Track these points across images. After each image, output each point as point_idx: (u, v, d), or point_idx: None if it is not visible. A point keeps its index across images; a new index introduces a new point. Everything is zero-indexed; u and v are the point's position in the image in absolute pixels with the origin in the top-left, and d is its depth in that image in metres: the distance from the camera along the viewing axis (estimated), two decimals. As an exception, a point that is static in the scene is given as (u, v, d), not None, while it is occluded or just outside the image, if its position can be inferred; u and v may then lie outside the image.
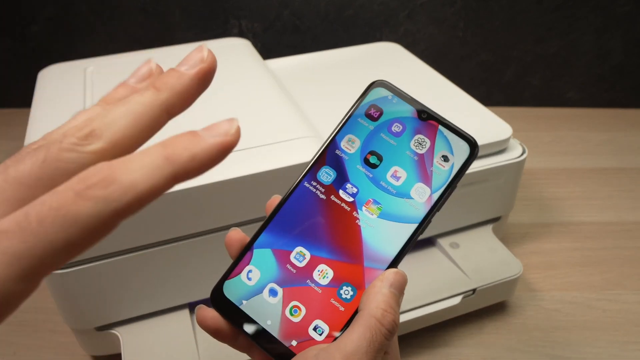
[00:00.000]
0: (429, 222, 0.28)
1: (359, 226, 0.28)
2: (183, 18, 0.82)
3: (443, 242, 0.53)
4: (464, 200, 0.51)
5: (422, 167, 0.28)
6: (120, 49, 0.78)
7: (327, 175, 0.29)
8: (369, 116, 0.29)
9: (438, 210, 0.28)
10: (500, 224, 0.57)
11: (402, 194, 0.28)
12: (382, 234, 0.28)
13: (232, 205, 0.42)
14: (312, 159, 0.29)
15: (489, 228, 0.55)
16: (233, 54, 0.60)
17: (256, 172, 0.41)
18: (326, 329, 0.26)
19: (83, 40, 0.83)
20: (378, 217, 0.28)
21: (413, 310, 0.47)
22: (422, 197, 0.28)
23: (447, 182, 0.28)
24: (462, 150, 0.29)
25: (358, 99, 0.30)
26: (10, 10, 0.80)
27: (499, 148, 0.51)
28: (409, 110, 0.29)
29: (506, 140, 0.51)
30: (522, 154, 0.52)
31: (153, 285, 0.44)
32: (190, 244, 0.42)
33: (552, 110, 0.90)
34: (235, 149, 0.37)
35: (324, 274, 0.27)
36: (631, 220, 0.66)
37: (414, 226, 0.28)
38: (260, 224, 0.29)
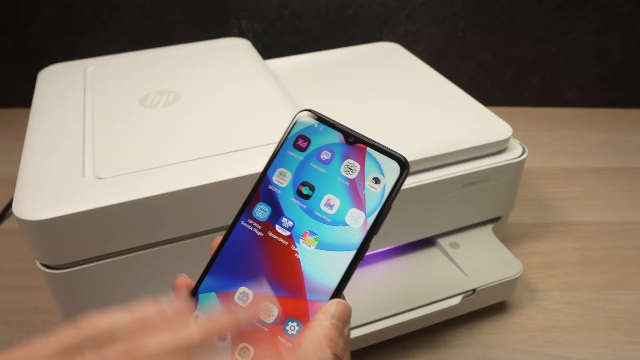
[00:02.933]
0: (368, 246, 0.28)
1: (298, 259, 0.27)
2: (183, 18, 0.82)
3: (443, 242, 0.53)
4: (464, 200, 0.51)
5: (355, 192, 0.28)
6: (120, 49, 0.78)
7: (262, 211, 0.28)
8: (297, 147, 0.29)
9: (375, 233, 0.28)
10: (500, 224, 0.57)
11: (337, 221, 0.28)
12: (321, 265, 0.27)
13: (235, 204, 0.42)
14: (247, 197, 0.29)
15: (489, 228, 0.55)
16: (233, 54, 0.60)
17: (257, 172, 0.40)
18: None
19: (83, 40, 0.83)
20: (316, 247, 0.28)
21: (413, 310, 0.47)
22: (357, 222, 0.28)
23: (381, 204, 0.28)
24: (392, 170, 0.28)
25: (285, 131, 0.29)
26: (10, 10, 0.80)
27: (499, 148, 0.51)
28: (336, 136, 0.29)
29: (506, 140, 0.51)
30: (522, 154, 0.52)
31: (153, 285, 0.44)
32: (190, 244, 0.42)
33: (552, 110, 0.90)
34: (237, 149, 0.38)
35: (269, 312, 0.27)
36: (631, 220, 0.66)
37: (352, 253, 0.27)
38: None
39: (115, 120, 0.48)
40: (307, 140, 0.29)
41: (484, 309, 0.52)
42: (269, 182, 0.29)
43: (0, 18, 0.80)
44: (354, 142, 0.29)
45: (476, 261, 0.51)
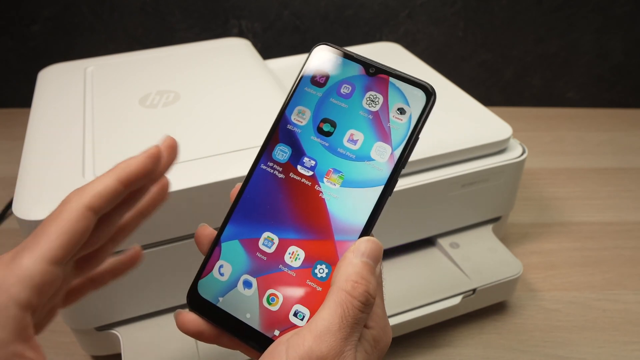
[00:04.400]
0: (396, 181, 0.26)
1: (323, 199, 0.26)
2: (183, 18, 0.82)
3: (443, 242, 0.53)
4: (464, 200, 0.51)
5: (379, 125, 0.27)
6: (120, 49, 0.79)
7: (282, 153, 0.27)
8: (316, 83, 0.28)
9: (403, 167, 0.26)
10: (500, 224, 0.57)
11: (362, 157, 0.27)
12: (348, 203, 0.26)
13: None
14: (265, 139, 0.28)
15: (489, 228, 0.55)
16: (233, 54, 0.60)
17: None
18: (307, 312, 0.25)
19: (83, 40, 0.83)
20: (341, 186, 0.26)
21: (413, 310, 0.47)
22: (383, 156, 0.26)
23: (408, 136, 0.26)
24: (418, 99, 0.27)
25: (302, 67, 0.28)
26: (10, 10, 0.80)
27: (499, 148, 0.51)
28: (355, 69, 0.28)
29: (506, 140, 0.51)
30: (522, 154, 0.52)
31: (153, 285, 0.44)
32: (191, 243, 0.42)
33: (552, 110, 0.90)
34: (237, 149, 0.38)
35: (295, 256, 0.26)
36: (631, 220, 0.66)
37: (380, 188, 0.26)
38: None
39: (115, 120, 0.48)
40: (325, 75, 0.28)
41: (484, 309, 0.52)
42: (288, 121, 0.28)
43: (0, 18, 0.80)
44: (375, 72, 0.27)
45: (476, 261, 0.51)
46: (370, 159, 0.26)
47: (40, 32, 0.82)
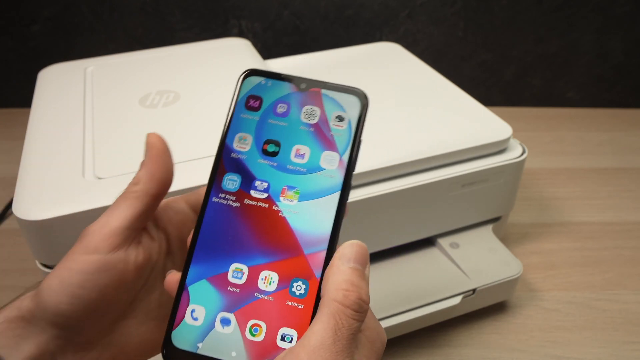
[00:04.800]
0: (350, 185, 0.27)
1: (284, 217, 0.26)
2: (183, 18, 0.82)
3: (443, 242, 0.53)
4: (464, 200, 0.51)
5: (322, 135, 0.27)
6: (120, 49, 0.79)
7: (231, 182, 0.27)
8: (250, 108, 0.28)
9: (353, 169, 0.27)
10: (500, 224, 0.57)
11: (313, 168, 0.27)
12: (309, 215, 0.26)
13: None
14: (211, 173, 0.28)
15: (489, 228, 0.55)
16: (233, 54, 0.60)
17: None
18: (294, 334, 0.25)
19: (83, 40, 0.83)
20: (299, 201, 0.27)
21: (413, 310, 0.47)
22: (332, 163, 0.27)
23: (352, 140, 0.27)
24: (352, 104, 0.28)
25: (233, 96, 0.28)
26: (10, 10, 0.80)
27: (499, 148, 0.51)
28: (286, 87, 0.28)
29: (506, 140, 0.51)
30: (522, 154, 0.52)
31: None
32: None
33: (552, 110, 0.90)
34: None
35: (268, 280, 0.26)
36: (631, 220, 0.66)
37: (337, 194, 0.27)
38: None
39: (115, 120, 0.48)
40: (258, 98, 0.28)
41: (484, 309, 0.52)
42: (231, 150, 0.28)
43: (0, 18, 0.80)
44: (307, 87, 0.28)
45: (476, 261, 0.51)
46: (321, 169, 0.27)
47: (40, 32, 0.82)
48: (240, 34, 0.84)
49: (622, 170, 0.75)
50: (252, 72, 0.29)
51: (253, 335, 0.25)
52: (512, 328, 0.51)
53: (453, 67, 0.88)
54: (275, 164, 0.27)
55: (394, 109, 0.54)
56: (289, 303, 0.25)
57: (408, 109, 0.54)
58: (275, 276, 0.26)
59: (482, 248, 0.53)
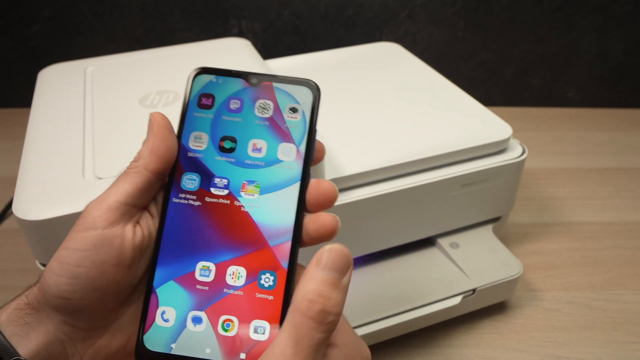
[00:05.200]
0: (309, 174, 0.28)
1: (247, 212, 0.27)
2: (183, 18, 0.82)
3: (443, 242, 0.53)
4: (464, 200, 0.51)
5: (277, 128, 0.28)
6: (120, 49, 0.79)
7: (190, 181, 0.27)
8: (203, 106, 0.28)
9: (311, 159, 0.28)
10: (500, 224, 0.57)
11: (271, 161, 0.27)
12: (271, 208, 0.27)
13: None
14: (169, 175, 0.28)
15: (489, 228, 0.55)
16: (233, 54, 0.60)
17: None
18: (266, 325, 0.25)
19: (83, 40, 0.83)
20: (260, 194, 0.27)
21: (413, 310, 0.47)
22: (290, 155, 0.28)
23: (307, 130, 0.28)
24: (305, 95, 0.28)
25: (184, 96, 0.28)
26: (10, 10, 0.80)
27: (499, 148, 0.51)
28: (238, 83, 0.28)
29: (506, 140, 0.51)
30: (522, 154, 0.52)
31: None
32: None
33: (552, 110, 0.90)
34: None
35: (236, 275, 0.26)
36: (631, 220, 0.66)
37: (297, 185, 0.27)
38: None
39: (115, 120, 0.48)
40: (211, 96, 0.28)
41: (484, 309, 0.52)
42: (187, 149, 0.28)
43: (0, 18, 0.80)
44: (258, 82, 0.28)
45: (476, 261, 0.51)
46: (279, 161, 0.27)
47: (40, 32, 0.82)
48: (240, 34, 0.84)
49: (622, 170, 0.75)
50: (202, 71, 0.29)
51: (226, 330, 0.25)
52: (512, 328, 0.52)
53: (453, 67, 0.88)
54: (233, 160, 0.27)
55: (393, 109, 0.54)
56: (259, 295, 0.26)
57: (408, 109, 0.54)
58: (242, 271, 0.26)
59: (482, 248, 0.53)
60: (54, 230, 0.38)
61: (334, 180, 0.44)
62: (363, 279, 0.50)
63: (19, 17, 0.81)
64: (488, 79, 0.90)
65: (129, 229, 0.25)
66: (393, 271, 0.51)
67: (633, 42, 0.85)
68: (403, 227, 0.50)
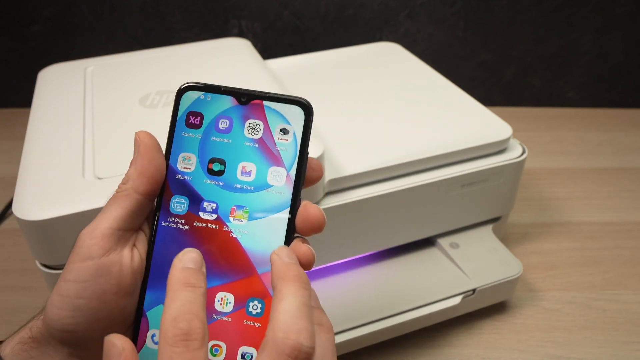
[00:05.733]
0: (299, 199, 0.27)
1: (235, 238, 0.26)
2: (183, 18, 0.82)
3: (443, 242, 0.53)
4: (464, 200, 0.51)
5: (267, 151, 0.27)
6: (120, 49, 0.79)
7: (179, 205, 0.27)
8: (191, 125, 0.27)
9: (302, 184, 0.27)
10: (500, 224, 0.57)
11: (261, 186, 0.27)
12: (261, 235, 0.26)
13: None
14: (158, 196, 0.27)
15: (489, 228, 0.55)
16: (233, 54, 0.60)
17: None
18: (253, 351, 0.25)
19: (83, 40, 0.83)
20: (249, 220, 0.26)
21: (413, 310, 0.47)
22: (280, 180, 0.27)
23: (298, 153, 0.27)
24: (296, 115, 0.27)
25: (173, 114, 0.27)
26: (10, 10, 0.80)
27: (499, 148, 0.51)
28: (227, 101, 0.27)
29: (506, 140, 0.51)
30: (522, 154, 0.52)
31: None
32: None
33: (552, 110, 0.90)
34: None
35: (225, 301, 0.26)
36: (631, 220, 0.66)
37: (287, 211, 0.26)
38: None
39: (115, 120, 0.48)
40: (199, 115, 0.27)
41: (484, 309, 0.52)
42: (175, 171, 0.27)
43: (0, 18, 0.80)
44: (248, 100, 0.27)
45: (476, 261, 0.51)
46: (268, 186, 0.27)
47: (40, 32, 0.82)
48: (240, 34, 0.84)
49: (622, 170, 0.75)
50: (189, 87, 0.27)
51: (214, 355, 0.25)
52: (512, 328, 0.52)
53: (453, 67, 0.88)
54: (222, 183, 0.27)
55: (393, 109, 0.54)
56: (247, 322, 0.26)
57: (408, 109, 0.54)
58: (231, 297, 0.26)
59: (482, 248, 0.53)
60: (54, 231, 0.38)
61: (334, 180, 0.44)
62: (363, 280, 0.50)
63: (19, 17, 0.81)
64: (488, 79, 0.90)
65: (126, 254, 0.25)
66: (393, 271, 0.51)
67: (633, 42, 0.85)
68: (403, 227, 0.50)
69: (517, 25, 0.84)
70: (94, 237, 0.25)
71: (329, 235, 0.45)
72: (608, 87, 0.90)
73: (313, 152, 0.41)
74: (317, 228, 0.27)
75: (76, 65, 0.58)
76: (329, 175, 0.44)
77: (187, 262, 0.24)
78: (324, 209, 0.44)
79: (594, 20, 0.83)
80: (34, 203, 0.38)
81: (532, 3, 0.81)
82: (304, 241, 0.27)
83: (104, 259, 0.24)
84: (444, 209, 0.51)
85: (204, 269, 0.24)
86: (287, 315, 0.22)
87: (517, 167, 0.52)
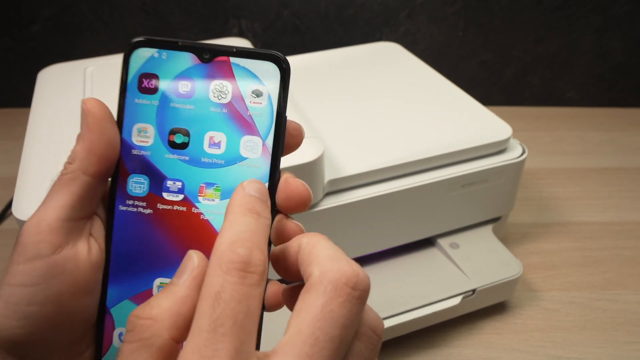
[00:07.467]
0: (279, 172, 0.23)
1: (207, 220, 0.23)
2: (183, 18, 0.82)
3: (443, 242, 0.53)
4: (464, 200, 0.51)
5: (238, 117, 0.23)
6: (120, 49, 0.78)
7: (138, 185, 0.23)
8: (145, 90, 0.23)
9: (281, 153, 0.23)
10: (500, 224, 0.57)
11: (233, 159, 0.23)
12: None
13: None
14: (112, 176, 0.23)
15: (489, 228, 0.55)
16: (233, 54, 0.60)
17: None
18: None
19: (83, 40, 0.83)
20: (221, 199, 0.23)
21: (413, 310, 0.47)
22: (255, 151, 0.23)
23: (275, 118, 0.23)
24: (270, 73, 0.23)
25: (122, 77, 0.23)
26: (10, 10, 0.80)
27: (499, 148, 0.51)
28: (187, 59, 0.23)
29: (506, 140, 0.51)
30: (522, 154, 0.52)
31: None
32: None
33: (552, 110, 0.90)
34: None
35: None
36: (631, 220, 0.66)
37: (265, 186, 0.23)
38: None
39: (115, 121, 0.48)
40: (154, 77, 0.23)
41: (484, 309, 0.52)
42: (130, 146, 0.23)
43: (0, 18, 0.80)
44: (212, 57, 0.23)
45: (476, 261, 0.51)
46: (242, 159, 0.23)
47: (40, 32, 0.82)
48: (240, 34, 0.84)
49: (622, 170, 0.75)
50: (139, 43, 0.23)
51: None
52: (512, 328, 0.51)
53: (453, 67, 0.87)
54: (186, 158, 0.23)
55: (393, 109, 0.54)
56: None
57: (408, 109, 0.54)
58: None
59: (482, 248, 0.53)
60: (54, 231, 0.38)
61: (334, 180, 0.44)
62: (363, 279, 0.50)
63: (19, 17, 0.81)
64: (488, 79, 0.90)
65: (81, 247, 0.21)
66: (393, 271, 0.51)
67: (633, 42, 0.85)
68: (403, 227, 0.50)
69: (517, 25, 0.84)
70: (40, 231, 0.21)
71: (328, 236, 0.45)
72: (608, 87, 0.90)
73: (313, 152, 0.41)
74: (301, 205, 0.23)
75: (76, 65, 0.58)
76: (328, 175, 0.44)
77: (251, 190, 0.20)
78: (324, 210, 0.44)
79: (594, 20, 0.83)
80: (34, 203, 0.38)
81: (532, 3, 0.81)
82: (289, 218, 0.23)
83: (56, 257, 0.20)
84: (444, 209, 0.51)
85: (269, 203, 0.21)
86: (224, 236, 0.19)
87: (517, 167, 0.52)
